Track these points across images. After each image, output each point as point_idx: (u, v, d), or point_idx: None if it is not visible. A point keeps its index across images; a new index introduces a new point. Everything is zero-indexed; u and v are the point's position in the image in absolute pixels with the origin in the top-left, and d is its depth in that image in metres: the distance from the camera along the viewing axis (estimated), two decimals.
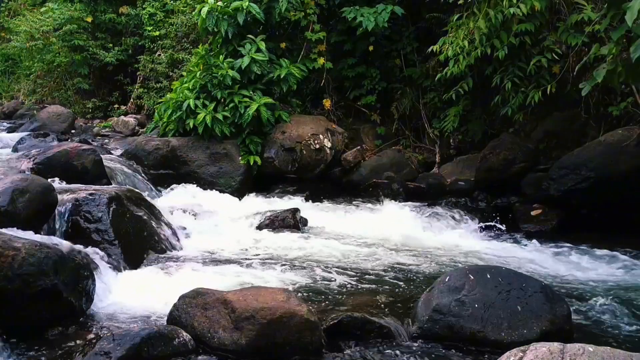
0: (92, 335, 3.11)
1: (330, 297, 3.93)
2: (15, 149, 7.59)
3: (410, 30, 8.23)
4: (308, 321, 3.07)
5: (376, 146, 8.25)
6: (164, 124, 7.81)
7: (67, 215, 4.38)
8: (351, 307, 3.68)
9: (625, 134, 5.70)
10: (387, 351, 3.17)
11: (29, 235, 3.63)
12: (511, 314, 3.28)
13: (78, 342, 3.01)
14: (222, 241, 5.37)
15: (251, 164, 7.36)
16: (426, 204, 6.66)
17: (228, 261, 4.78)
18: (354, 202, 7.00)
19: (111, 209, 4.52)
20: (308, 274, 4.46)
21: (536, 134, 6.90)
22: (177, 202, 6.47)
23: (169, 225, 5.17)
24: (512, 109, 6.53)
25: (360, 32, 7.74)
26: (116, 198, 4.64)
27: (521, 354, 2.34)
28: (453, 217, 6.27)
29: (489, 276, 3.47)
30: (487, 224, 6.12)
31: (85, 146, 6.11)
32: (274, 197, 7.20)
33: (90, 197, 4.51)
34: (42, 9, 13.65)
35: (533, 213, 6.09)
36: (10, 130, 10.65)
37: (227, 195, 7.02)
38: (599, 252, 5.19)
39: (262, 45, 7.48)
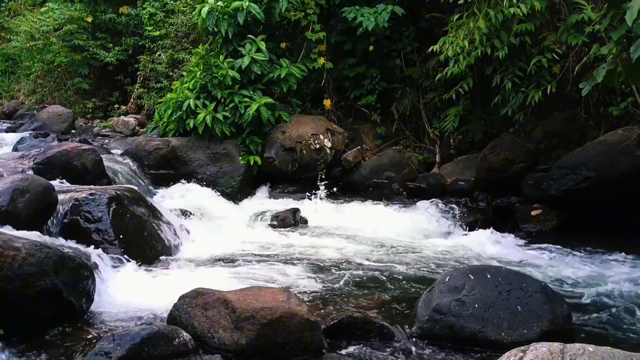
0: (92, 335, 3.11)
1: (330, 297, 3.93)
2: (15, 149, 7.58)
3: (411, 30, 8.23)
4: (308, 321, 3.07)
5: (376, 146, 8.24)
6: (164, 124, 7.81)
7: (67, 215, 4.38)
8: (351, 307, 3.69)
9: (625, 134, 5.70)
10: (387, 351, 3.17)
11: (29, 235, 3.62)
12: (511, 314, 3.28)
13: (78, 342, 3.00)
14: (223, 241, 5.38)
15: (251, 163, 7.36)
16: (426, 204, 6.65)
17: (228, 261, 4.79)
18: (354, 202, 7.00)
19: (111, 209, 4.52)
20: (308, 273, 4.46)
21: (536, 134, 6.89)
22: (177, 202, 6.47)
23: (169, 224, 5.17)
24: (512, 109, 6.53)
25: (361, 32, 7.73)
26: (116, 198, 4.64)
27: (521, 354, 2.34)
28: (453, 217, 6.27)
29: (489, 276, 3.47)
30: (488, 224, 6.12)
31: (86, 146, 6.11)
32: (274, 197, 7.21)
33: (91, 197, 4.51)
34: (42, 9, 13.63)
35: (533, 213, 6.09)
36: (11, 130, 10.64)
37: (227, 195, 7.02)
38: (598, 252, 5.20)
39: (262, 45, 7.48)
